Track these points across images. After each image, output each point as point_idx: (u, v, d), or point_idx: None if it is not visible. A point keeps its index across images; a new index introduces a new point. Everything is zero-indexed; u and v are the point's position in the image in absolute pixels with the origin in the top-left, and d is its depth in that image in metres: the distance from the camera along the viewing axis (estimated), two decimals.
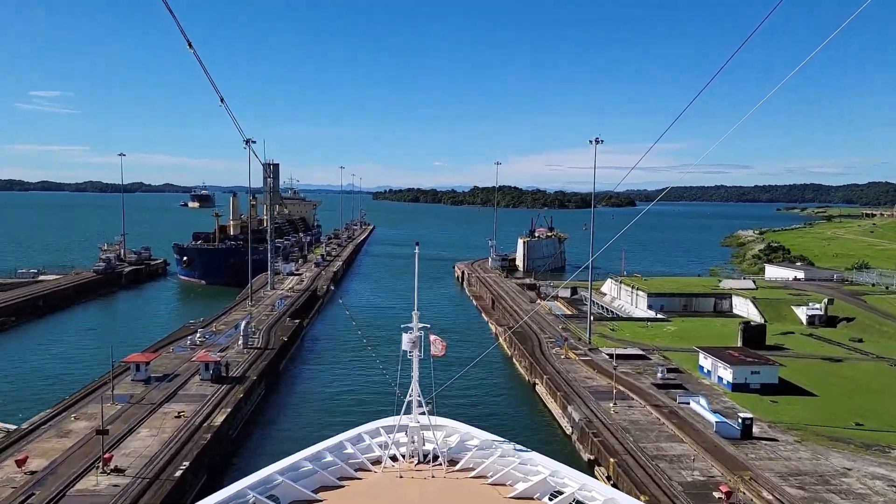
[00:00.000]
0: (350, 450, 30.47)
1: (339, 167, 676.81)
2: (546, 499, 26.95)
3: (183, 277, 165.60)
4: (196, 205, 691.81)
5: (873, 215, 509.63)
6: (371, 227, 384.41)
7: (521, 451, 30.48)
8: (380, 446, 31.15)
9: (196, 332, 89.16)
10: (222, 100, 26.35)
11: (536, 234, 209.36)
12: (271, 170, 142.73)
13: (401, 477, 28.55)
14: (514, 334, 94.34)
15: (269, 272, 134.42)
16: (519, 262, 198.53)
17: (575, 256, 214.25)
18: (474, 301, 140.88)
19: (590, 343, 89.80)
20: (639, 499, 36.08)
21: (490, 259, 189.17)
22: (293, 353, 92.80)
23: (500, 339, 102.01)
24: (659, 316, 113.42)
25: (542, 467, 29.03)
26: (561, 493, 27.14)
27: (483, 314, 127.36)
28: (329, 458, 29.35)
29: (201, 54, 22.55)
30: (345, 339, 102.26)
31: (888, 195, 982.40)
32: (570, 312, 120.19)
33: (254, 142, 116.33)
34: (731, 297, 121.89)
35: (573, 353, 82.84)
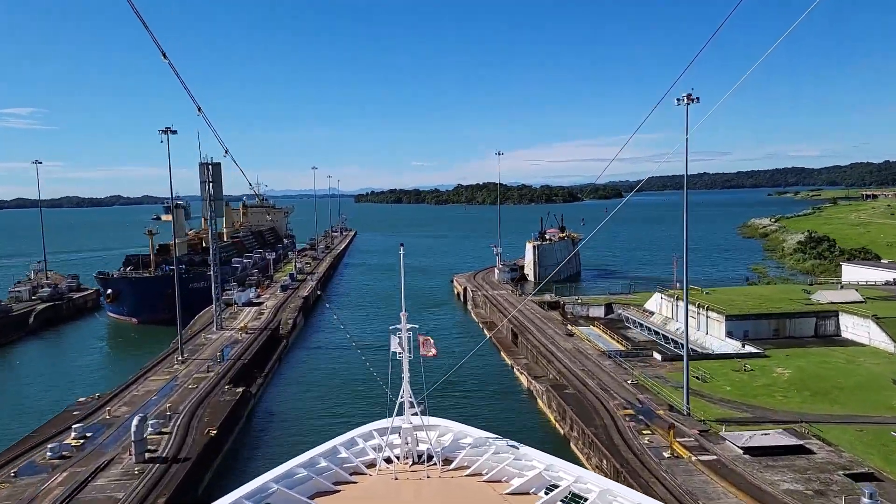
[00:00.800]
0: (344, 454, 30.32)
1: (312, 168, 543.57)
2: (542, 493, 26.69)
3: (112, 315, 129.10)
4: (170, 217, 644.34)
5: (875, 196, 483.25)
6: (353, 234, 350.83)
7: (515, 447, 30.11)
8: (374, 449, 30.99)
9: (70, 427, 57.75)
10: (199, 108, 25.11)
11: (548, 237, 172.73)
12: (210, 172, 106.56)
13: (396, 479, 28.32)
14: (563, 397, 65.40)
15: (214, 307, 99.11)
16: (528, 271, 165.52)
17: (589, 259, 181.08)
18: (486, 330, 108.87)
19: (692, 414, 59.02)
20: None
21: (496, 270, 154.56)
22: (225, 455, 61.22)
23: (542, 404, 72.40)
24: (749, 349, 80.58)
25: (537, 462, 28.82)
26: (557, 486, 26.89)
27: (502, 353, 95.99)
28: (323, 463, 29.16)
29: (175, 60, 21.70)
30: (313, 412, 73.27)
31: (872, 175, 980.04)
32: (620, 346, 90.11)
33: (174, 131, 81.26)
34: (836, 316, 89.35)
35: (682, 448, 50.97)
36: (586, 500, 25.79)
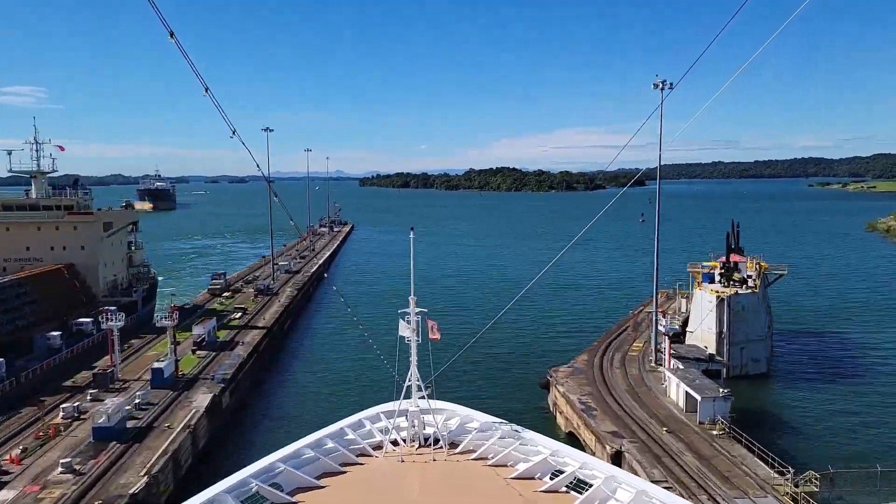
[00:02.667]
0: (351, 436, 30.71)
1: (305, 150, 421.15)
2: (547, 478, 27.00)
3: None
4: (148, 206, 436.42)
5: None
6: (348, 229, 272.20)
7: (520, 431, 30.58)
8: (381, 431, 31.33)
9: None
10: (207, 89, 23.80)
11: (738, 274, 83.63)
12: None
13: (402, 461, 28.76)
14: None
15: None
16: (707, 343, 78.00)
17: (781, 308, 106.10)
18: None
19: None
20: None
21: (657, 352, 73.02)
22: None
23: None
24: None
25: (542, 447, 29.06)
26: (562, 472, 27.14)
27: None
28: (330, 444, 29.52)
29: (184, 41, 20.66)
30: None
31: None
32: None
33: None
34: None
35: None
36: (591, 485, 25.89)
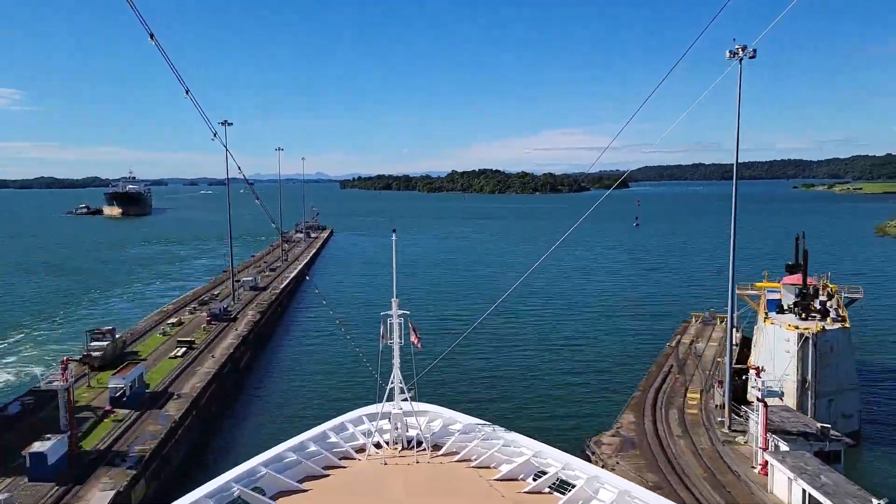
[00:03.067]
0: (334, 439, 30.63)
1: (277, 149, 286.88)
2: (530, 479, 27.03)
3: None
4: (117, 211, 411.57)
5: None
6: (326, 235, 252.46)
7: (503, 433, 30.55)
8: (363, 434, 31.36)
9: None
10: (188, 91, 24.02)
11: (816, 299, 66.27)
12: None
13: (385, 464, 28.71)
14: None
15: None
16: (783, 386, 56.11)
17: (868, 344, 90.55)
18: None
19: None
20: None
21: (731, 413, 55.21)
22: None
23: None
24: None
25: (526, 448, 29.03)
26: (545, 472, 27.17)
27: None
28: (313, 447, 29.38)
29: (163, 41, 20.97)
30: None
31: (876, 168, 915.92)
32: None
33: None
34: None
35: None
36: (574, 486, 25.93)
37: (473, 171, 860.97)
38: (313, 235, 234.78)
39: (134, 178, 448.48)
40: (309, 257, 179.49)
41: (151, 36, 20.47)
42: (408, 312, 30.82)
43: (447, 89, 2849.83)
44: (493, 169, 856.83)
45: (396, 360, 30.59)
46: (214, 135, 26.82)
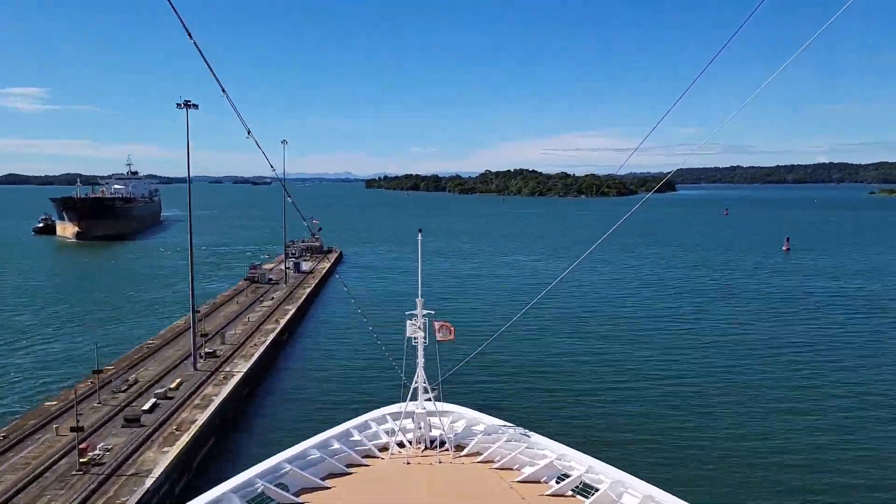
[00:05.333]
0: (357, 437, 31.12)
1: (282, 141, 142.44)
2: (553, 482, 27.26)
3: None
4: (71, 230, 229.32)
5: None
6: (329, 265, 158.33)
7: (527, 434, 30.80)
8: (386, 433, 31.95)
9: None
10: (223, 90, 23.10)
11: None
12: None
13: (408, 463, 29.12)
14: None
15: None
16: None
17: None
18: None
19: None
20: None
21: None
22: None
23: None
24: None
25: (549, 451, 29.26)
26: (568, 475, 27.28)
27: None
28: (336, 445, 29.83)
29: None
30: None
31: None
32: None
33: None
34: None
35: None
36: (597, 490, 26.12)
37: (508, 171, 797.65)
38: (304, 267, 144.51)
39: (135, 173, 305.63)
40: (278, 329, 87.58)
41: (189, 35, 19.66)
42: (433, 312, 31.31)
43: (472, 89, 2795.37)
44: (529, 169, 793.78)
45: (420, 360, 31.02)
46: (248, 133, 24.68)
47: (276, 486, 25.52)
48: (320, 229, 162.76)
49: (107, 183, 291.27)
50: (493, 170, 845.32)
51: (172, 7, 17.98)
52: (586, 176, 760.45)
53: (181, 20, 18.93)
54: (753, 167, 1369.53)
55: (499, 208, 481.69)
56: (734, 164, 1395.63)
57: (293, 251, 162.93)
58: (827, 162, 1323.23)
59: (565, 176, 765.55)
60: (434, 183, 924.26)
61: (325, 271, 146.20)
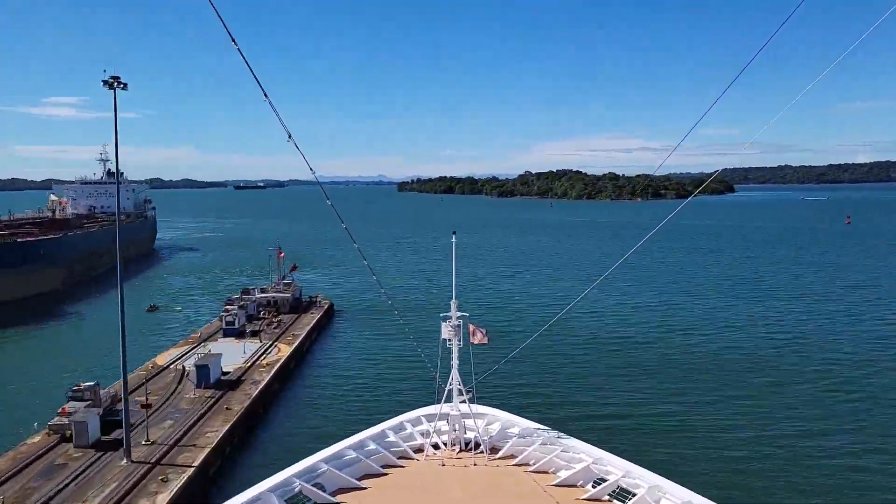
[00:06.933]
0: (392, 438, 31.52)
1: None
2: (589, 486, 27.01)
3: None
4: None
5: None
6: (306, 329, 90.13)
7: (562, 438, 30.69)
8: (421, 434, 32.26)
9: None
10: (266, 95, 23.89)
11: None
12: None
13: (443, 465, 29.22)
14: None
15: None
16: None
17: None
18: None
19: None
20: None
21: None
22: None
23: None
24: None
25: (585, 455, 29.07)
26: (604, 480, 26.95)
27: None
28: (372, 446, 30.23)
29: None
30: None
31: None
32: None
33: None
34: None
35: None
36: (634, 495, 25.86)
37: (551, 172, 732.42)
38: (250, 345, 79.80)
39: (113, 174, 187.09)
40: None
41: (234, 41, 20.59)
42: (466, 314, 31.41)
43: (497, 91, 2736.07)
44: (574, 170, 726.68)
45: (455, 362, 31.23)
46: (289, 136, 25.04)
47: (313, 485, 26.14)
48: (294, 268, 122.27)
49: (68, 191, 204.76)
50: (533, 171, 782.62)
51: (218, 15, 18.24)
52: (637, 176, 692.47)
53: (228, 30, 19.15)
54: (804, 166, 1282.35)
55: (553, 215, 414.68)
56: (783, 164, 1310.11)
57: (238, 309, 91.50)
58: (885, 160, 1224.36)
59: (615, 177, 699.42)
60: (470, 185, 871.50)
61: (289, 353, 75.43)
